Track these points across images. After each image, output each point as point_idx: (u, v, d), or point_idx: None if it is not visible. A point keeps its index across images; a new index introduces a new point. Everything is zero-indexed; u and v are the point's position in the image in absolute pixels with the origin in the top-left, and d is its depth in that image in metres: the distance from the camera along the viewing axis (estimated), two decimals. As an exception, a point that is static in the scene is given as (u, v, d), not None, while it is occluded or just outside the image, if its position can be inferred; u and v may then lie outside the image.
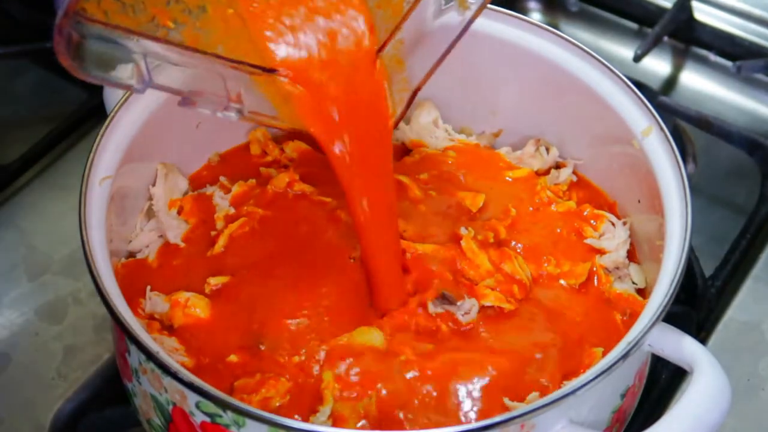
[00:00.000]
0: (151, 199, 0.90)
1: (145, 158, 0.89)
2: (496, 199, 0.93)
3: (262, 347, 0.80)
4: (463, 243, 0.86)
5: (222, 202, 0.91)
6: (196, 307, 0.82)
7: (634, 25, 1.34)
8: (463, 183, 0.94)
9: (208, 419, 0.71)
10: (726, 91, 1.27)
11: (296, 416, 0.76)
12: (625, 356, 0.70)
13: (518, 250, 0.88)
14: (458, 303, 0.82)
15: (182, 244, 0.88)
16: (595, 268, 0.87)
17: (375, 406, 0.76)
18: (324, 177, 0.93)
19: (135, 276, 0.86)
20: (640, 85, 0.97)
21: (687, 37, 1.30)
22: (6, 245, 1.03)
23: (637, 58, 1.23)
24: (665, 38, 1.29)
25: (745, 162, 1.14)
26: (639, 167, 0.86)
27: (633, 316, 0.82)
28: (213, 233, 0.89)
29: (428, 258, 0.85)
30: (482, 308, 0.83)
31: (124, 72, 0.67)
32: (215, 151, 0.97)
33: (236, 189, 0.92)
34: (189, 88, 0.72)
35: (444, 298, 0.82)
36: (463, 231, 0.87)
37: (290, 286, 0.84)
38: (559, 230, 0.90)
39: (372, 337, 0.80)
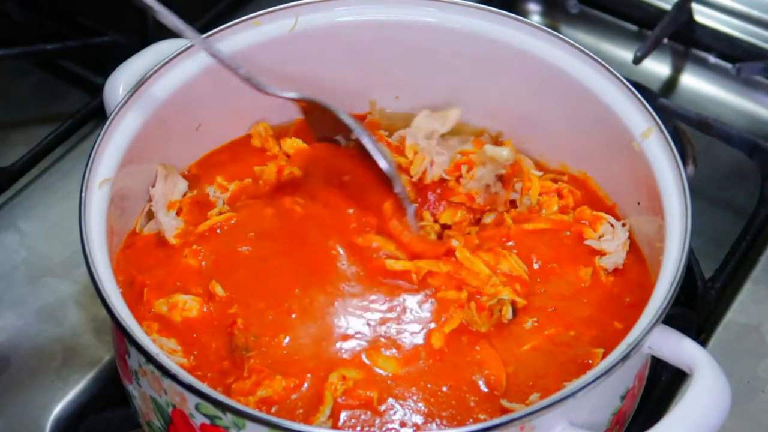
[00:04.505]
0: (150, 200, 0.90)
1: (144, 160, 0.89)
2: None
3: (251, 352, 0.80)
4: (457, 254, 0.86)
5: (219, 201, 0.92)
6: (192, 309, 0.83)
7: (634, 27, 1.34)
8: None
9: (207, 421, 0.71)
10: (726, 93, 1.27)
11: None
12: (624, 358, 0.70)
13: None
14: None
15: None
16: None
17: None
18: (319, 173, 0.94)
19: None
20: (639, 87, 0.97)
21: (687, 39, 1.30)
22: (6, 247, 1.03)
23: (637, 60, 1.23)
24: (665, 40, 1.29)
25: (744, 164, 1.14)
26: (639, 169, 0.86)
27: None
28: (201, 228, 0.89)
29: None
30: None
31: None
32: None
33: (233, 188, 0.93)
34: None
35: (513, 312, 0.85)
36: (454, 243, 0.88)
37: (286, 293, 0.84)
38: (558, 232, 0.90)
39: (385, 365, 0.80)
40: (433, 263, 0.86)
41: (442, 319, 0.83)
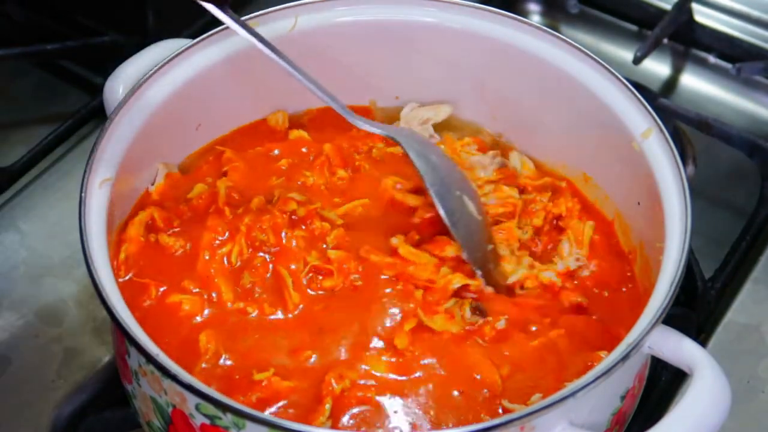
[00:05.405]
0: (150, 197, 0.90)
1: (144, 160, 0.89)
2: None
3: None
4: (400, 251, 0.86)
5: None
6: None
7: (634, 27, 1.34)
8: None
9: (207, 421, 0.71)
10: (726, 93, 1.27)
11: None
12: (624, 358, 0.70)
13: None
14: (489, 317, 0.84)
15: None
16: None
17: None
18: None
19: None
20: (639, 87, 0.97)
21: (687, 39, 1.30)
22: (6, 247, 1.03)
23: (637, 60, 1.23)
24: (665, 40, 1.29)
25: (744, 164, 1.14)
26: (639, 169, 0.86)
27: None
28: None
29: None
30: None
31: None
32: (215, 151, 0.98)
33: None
34: None
35: (477, 310, 0.84)
36: (393, 241, 0.87)
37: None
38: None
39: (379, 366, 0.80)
40: (381, 259, 0.86)
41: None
